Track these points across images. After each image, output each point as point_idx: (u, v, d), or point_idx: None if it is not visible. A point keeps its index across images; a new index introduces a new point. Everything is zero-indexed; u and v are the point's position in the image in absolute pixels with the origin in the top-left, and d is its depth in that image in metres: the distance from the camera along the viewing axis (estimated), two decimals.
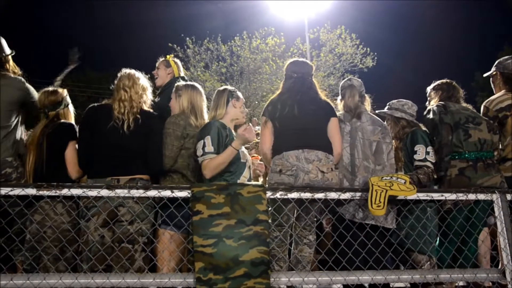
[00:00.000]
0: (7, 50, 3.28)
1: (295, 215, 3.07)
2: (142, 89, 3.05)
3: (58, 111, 3.14)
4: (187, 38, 17.82)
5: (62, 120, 3.13)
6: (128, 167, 2.86)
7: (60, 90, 3.25)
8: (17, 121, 3.17)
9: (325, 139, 3.15)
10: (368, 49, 17.82)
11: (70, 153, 3.00)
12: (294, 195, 2.60)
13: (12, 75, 3.23)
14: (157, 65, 3.98)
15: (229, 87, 3.24)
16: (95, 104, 3.03)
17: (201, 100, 3.20)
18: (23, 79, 3.24)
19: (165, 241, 2.82)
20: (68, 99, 3.24)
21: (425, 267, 3.07)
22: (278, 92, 3.34)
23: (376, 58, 17.91)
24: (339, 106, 3.53)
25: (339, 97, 3.59)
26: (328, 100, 3.30)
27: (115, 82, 3.08)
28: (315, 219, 3.19)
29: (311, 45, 18.13)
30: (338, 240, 2.76)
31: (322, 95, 3.30)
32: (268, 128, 3.17)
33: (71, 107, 3.27)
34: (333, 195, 2.63)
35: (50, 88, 3.24)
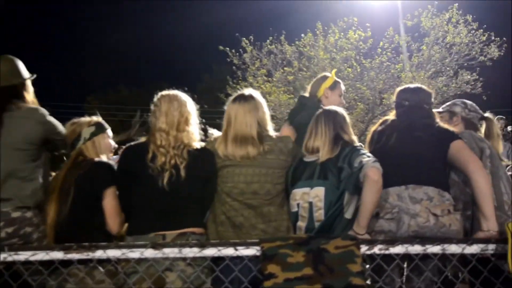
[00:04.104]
0: (26, 74, 3.49)
1: (404, 277, 3.01)
2: (189, 116, 3.20)
3: (80, 148, 3.31)
4: (243, 39, 18.30)
5: (97, 159, 3.28)
6: (176, 218, 2.97)
7: (76, 120, 3.42)
8: (37, 164, 3.32)
9: (437, 172, 3.14)
10: (492, 34, 17.21)
11: (109, 202, 3.15)
12: (398, 249, 2.56)
13: (31, 105, 3.41)
14: (315, 92, 4.23)
15: None
16: (132, 144, 3.21)
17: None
18: (45, 111, 3.40)
19: None
20: (90, 130, 3.36)
21: None
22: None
23: (504, 45, 17.21)
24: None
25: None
26: (452, 129, 3.36)
27: (152, 108, 3.24)
28: (434, 280, 3.10)
29: (409, 36, 17.89)
30: None
31: (444, 125, 3.38)
32: None
33: (100, 138, 3.39)
34: (453, 248, 2.56)
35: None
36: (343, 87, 4.36)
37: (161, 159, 3.02)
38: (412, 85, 3.66)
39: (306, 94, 4.34)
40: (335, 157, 3.17)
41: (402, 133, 3.26)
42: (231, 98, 3.40)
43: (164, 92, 3.28)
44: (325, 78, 4.31)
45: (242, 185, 3.15)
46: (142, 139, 3.21)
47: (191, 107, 3.26)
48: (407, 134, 3.25)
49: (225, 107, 3.36)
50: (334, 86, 4.24)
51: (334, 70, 4.51)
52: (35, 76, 3.55)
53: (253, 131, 3.20)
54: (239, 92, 3.42)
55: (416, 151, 3.16)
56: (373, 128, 3.52)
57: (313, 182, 3.16)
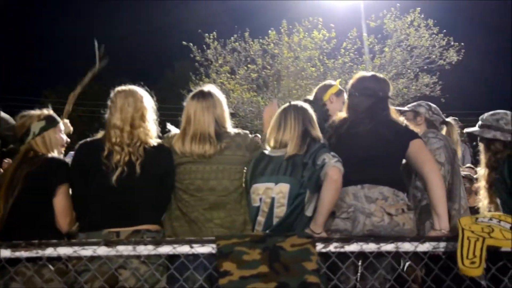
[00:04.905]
0: None
1: (358, 274, 3.05)
2: (144, 111, 3.17)
3: (30, 143, 3.19)
4: (206, 35, 18.21)
5: (49, 155, 3.18)
6: (130, 215, 2.95)
7: (26, 113, 3.30)
8: None
9: (393, 172, 3.20)
10: (451, 39, 17.62)
11: (61, 200, 3.07)
12: (353, 247, 2.59)
13: None
14: (321, 96, 4.33)
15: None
16: (88, 140, 3.16)
17: None
18: None
19: None
20: (40, 124, 3.24)
21: None
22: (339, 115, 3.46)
23: (463, 50, 17.66)
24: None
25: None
26: (411, 126, 3.40)
27: (108, 104, 3.19)
28: (387, 278, 3.15)
29: (373, 37, 18.15)
30: None
31: (400, 121, 3.39)
32: None
33: (51, 133, 3.27)
34: (407, 246, 2.60)
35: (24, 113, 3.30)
36: (346, 96, 4.49)
37: (116, 156, 2.99)
38: (371, 73, 3.62)
39: (310, 97, 4.42)
40: (303, 154, 3.18)
41: (364, 126, 3.26)
42: (190, 94, 3.38)
43: (120, 88, 3.23)
44: (331, 85, 4.45)
45: (199, 182, 3.14)
46: (98, 135, 3.16)
47: (148, 102, 3.23)
48: (368, 128, 3.25)
49: (184, 104, 3.34)
50: (339, 93, 4.36)
51: (339, 80, 4.70)
52: None
53: (210, 129, 3.18)
54: (198, 89, 3.41)
55: (375, 148, 3.19)
56: (337, 117, 3.48)
57: (279, 178, 3.17)
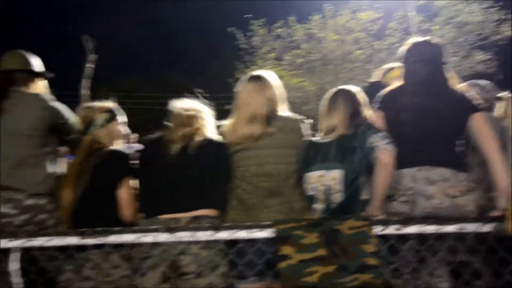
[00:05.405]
0: (36, 67, 3.50)
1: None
2: (202, 114, 3.28)
3: (94, 134, 3.32)
4: (252, 21, 18.22)
5: (113, 148, 3.31)
6: (189, 201, 3.01)
7: (89, 104, 3.46)
8: (46, 150, 3.33)
9: (453, 151, 3.12)
10: (510, 12, 16.93)
11: (125, 191, 3.17)
12: (413, 229, 2.56)
13: (34, 92, 3.41)
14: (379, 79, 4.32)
15: None
16: (151, 135, 3.31)
17: None
18: (48, 96, 3.42)
19: None
20: (104, 116, 3.39)
21: None
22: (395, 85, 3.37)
23: None
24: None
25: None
26: (468, 93, 3.26)
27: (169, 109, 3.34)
28: (449, 260, 3.11)
29: (421, 16, 17.69)
30: None
31: (459, 87, 3.28)
32: None
33: (114, 125, 3.42)
34: (469, 227, 2.55)
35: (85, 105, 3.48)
36: None
37: (173, 148, 3.10)
38: (425, 38, 3.44)
39: (373, 80, 4.47)
40: (352, 135, 3.16)
41: (422, 101, 3.17)
42: (242, 79, 3.44)
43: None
44: (392, 68, 4.35)
45: (254, 168, 3.17)
46: (160, 132, 3.29)
47: (206, 112, 3.32)
48: (426, 104, 3.16)
49: (236, 90, 3.40)
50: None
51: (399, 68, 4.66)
52: (51, 75, 3.56)
53: (262, 111, 3.21)
54: (250, 73, 3.47)
55: (433, 127, 3.10)
56: (387, 90, 3.40)
57: (330, 165, 3.16)
